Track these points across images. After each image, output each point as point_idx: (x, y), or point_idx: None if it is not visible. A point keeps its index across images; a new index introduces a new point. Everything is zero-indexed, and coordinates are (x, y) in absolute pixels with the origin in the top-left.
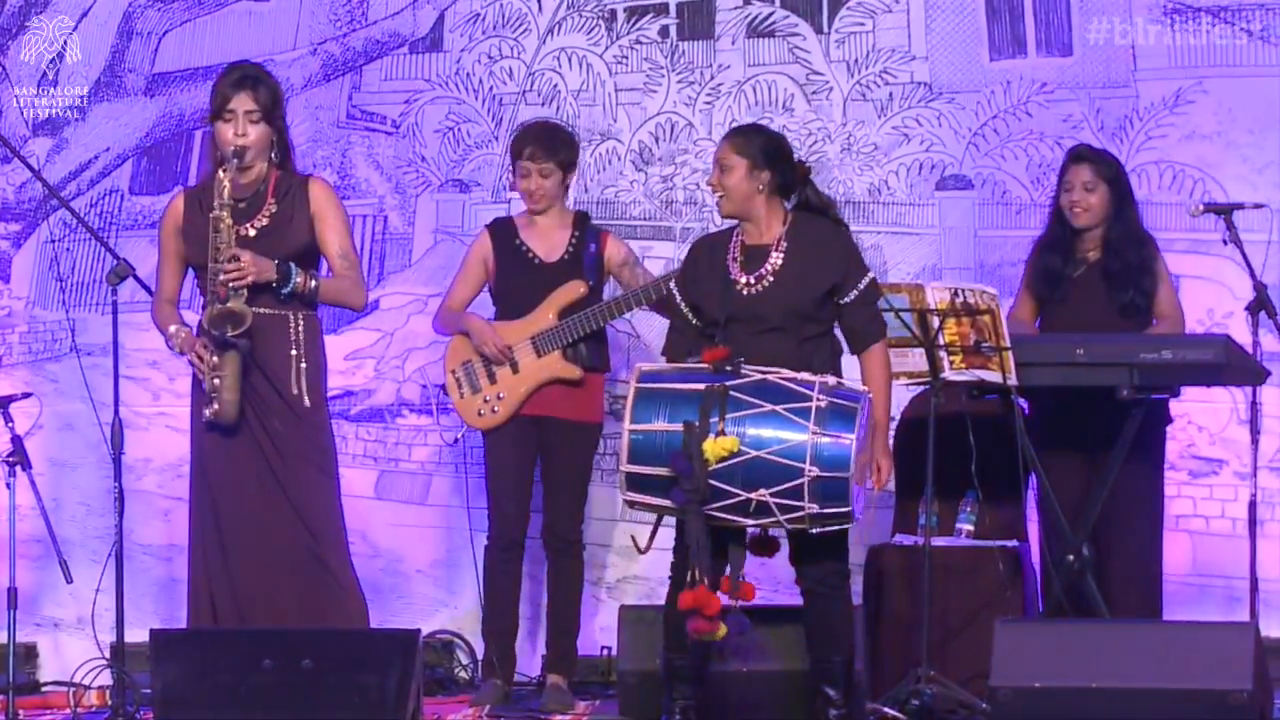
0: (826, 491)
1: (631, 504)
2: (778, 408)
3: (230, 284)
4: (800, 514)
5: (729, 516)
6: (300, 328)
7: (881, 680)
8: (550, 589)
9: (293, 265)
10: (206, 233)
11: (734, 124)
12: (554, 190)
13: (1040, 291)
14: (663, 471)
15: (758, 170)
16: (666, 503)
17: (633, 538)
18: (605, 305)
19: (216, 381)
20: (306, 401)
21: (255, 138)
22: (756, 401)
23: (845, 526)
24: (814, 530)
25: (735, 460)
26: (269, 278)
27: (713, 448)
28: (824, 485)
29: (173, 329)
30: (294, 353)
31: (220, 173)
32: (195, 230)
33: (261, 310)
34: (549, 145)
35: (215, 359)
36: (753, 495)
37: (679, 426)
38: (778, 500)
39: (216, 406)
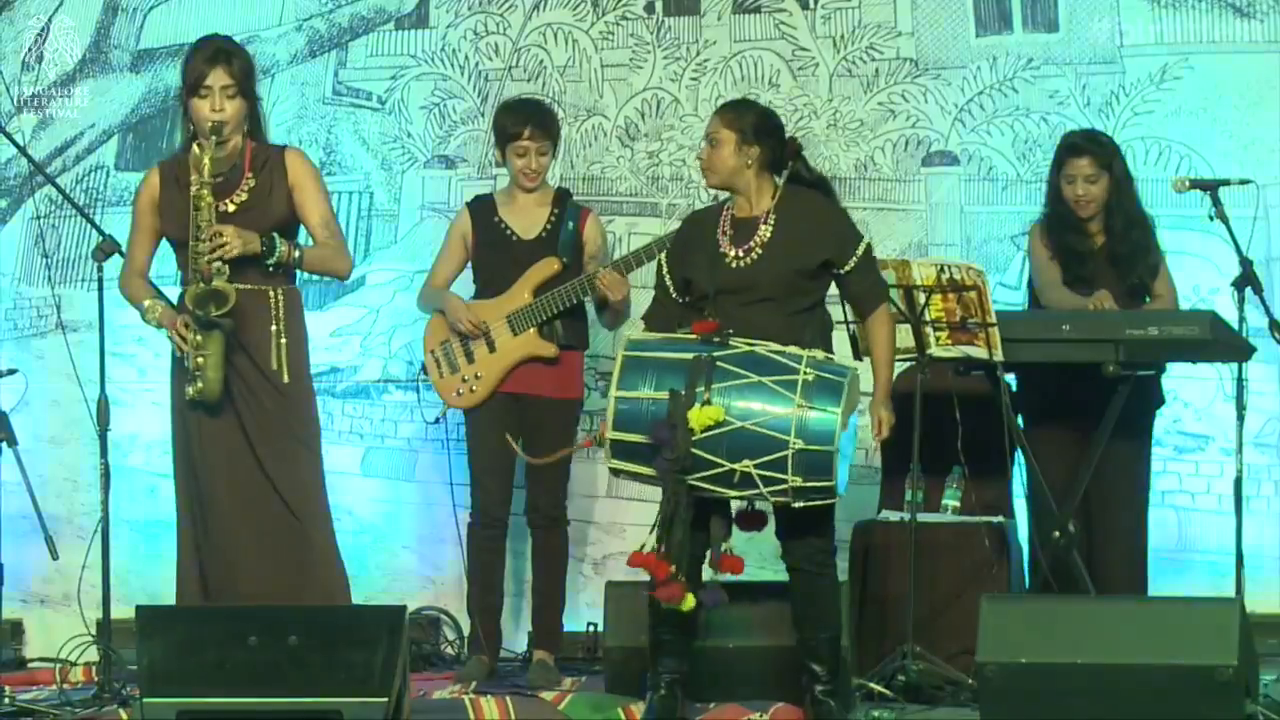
0: (810, 465)
1: (616, 471)
2: (764, 379)
3: (216, 260)
4: (783, 486)
5: (712, 487)
6: (280, 302)
7: (867, 656)
8: (535, 565)
9: (276, 236)
10: (184, 208)
11: (721, 99)
12: (547, 168)
13: (1074, 269)
14: (648, 439)
15: (746, 145)
16: (651, 470)
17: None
18: (579, 281)
19: (200, 360)
20: (286, 377)
21: (232, 112)
22: (743, 372)
23: (829, 502)
24: (797, 504)
25: (720, 430)
26: (253, 250)
27: (698, 417)
28: (808, 458)
29: (148, 303)
30: (274, 328)
31: (196, 148)
32: (172, 206)
33: (242, 286)
34: (546, 124)
35: (199, 338)
36: (736, 466)
37: (664, 395)
38: (761, 472)
39: (200, 385)
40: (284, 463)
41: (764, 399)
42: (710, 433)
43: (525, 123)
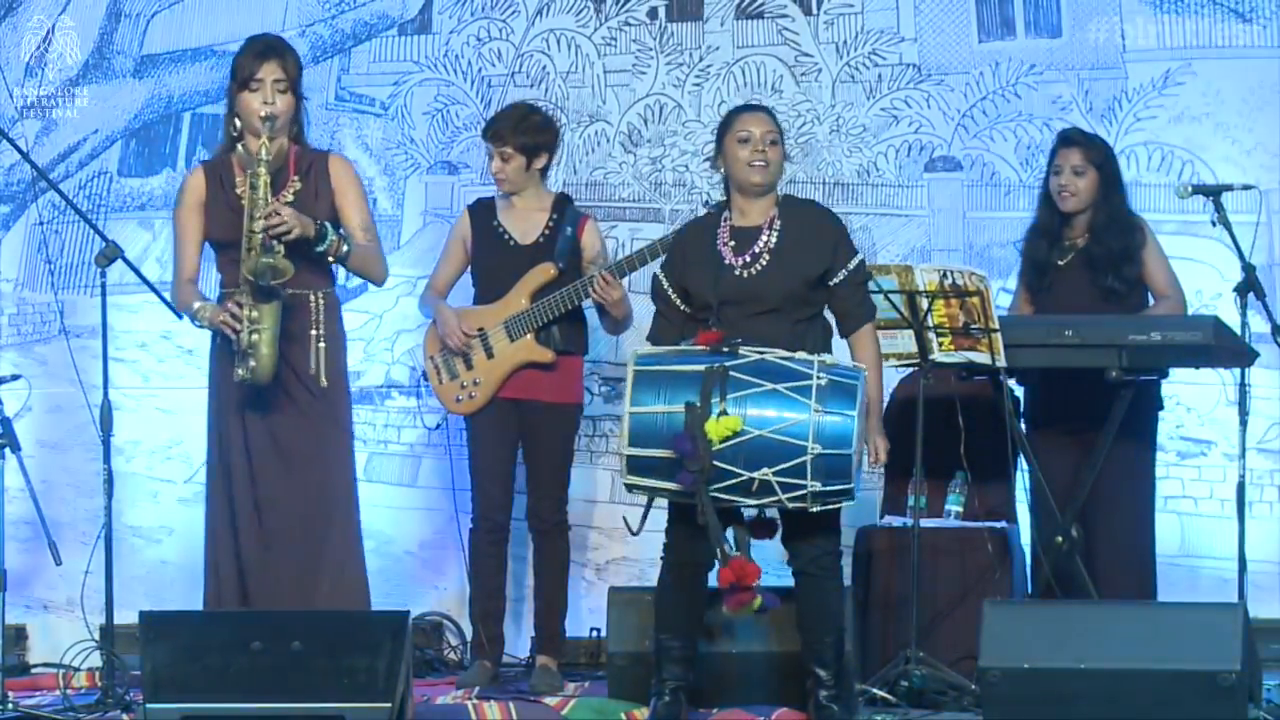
0: (829, 468)
1: (632, 487)
2: (778, 386)
3: (273, 235)
4: (803, 492)
5: (731, 497)
6: (320, 306)
7: (870, 662)
8: (536, 570)
9: (328, 224)
10: (228, 209)
11: (724, 105)
12: (516, 174)
13: (1030, 280)
14: (664, 453)
15: (784, 145)
16: (669, 485)
17: (624, 519)
18: (575, 287)
19: (255, 337)
20: (324, 380)
21: (283, 107)
22: (757, 381)
23: (846, 504)
24: (815, 508)
25: (738, 440)
26: (309, 233)
27: (716, 428)
28: (827, 462)
29: (197, 305)
30: (314, 332)
31: (249, 142)
32: (218, 206)
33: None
34: (511, 129)
35: (254, 312)
36: (755, 475)
37: (679, 408)
38: (781, 479)
39: (253, 363)
40: (316, 465)
41: (779, 406)
42: (729, 443)
43: (487, 128)
